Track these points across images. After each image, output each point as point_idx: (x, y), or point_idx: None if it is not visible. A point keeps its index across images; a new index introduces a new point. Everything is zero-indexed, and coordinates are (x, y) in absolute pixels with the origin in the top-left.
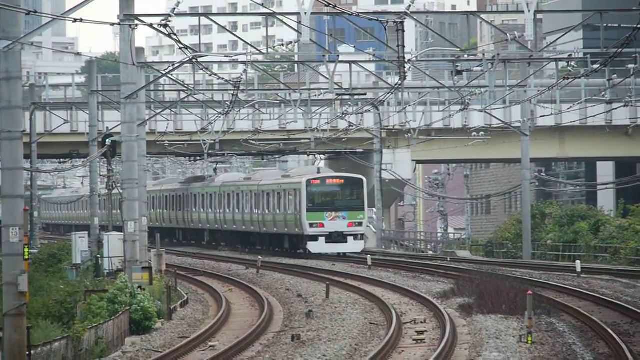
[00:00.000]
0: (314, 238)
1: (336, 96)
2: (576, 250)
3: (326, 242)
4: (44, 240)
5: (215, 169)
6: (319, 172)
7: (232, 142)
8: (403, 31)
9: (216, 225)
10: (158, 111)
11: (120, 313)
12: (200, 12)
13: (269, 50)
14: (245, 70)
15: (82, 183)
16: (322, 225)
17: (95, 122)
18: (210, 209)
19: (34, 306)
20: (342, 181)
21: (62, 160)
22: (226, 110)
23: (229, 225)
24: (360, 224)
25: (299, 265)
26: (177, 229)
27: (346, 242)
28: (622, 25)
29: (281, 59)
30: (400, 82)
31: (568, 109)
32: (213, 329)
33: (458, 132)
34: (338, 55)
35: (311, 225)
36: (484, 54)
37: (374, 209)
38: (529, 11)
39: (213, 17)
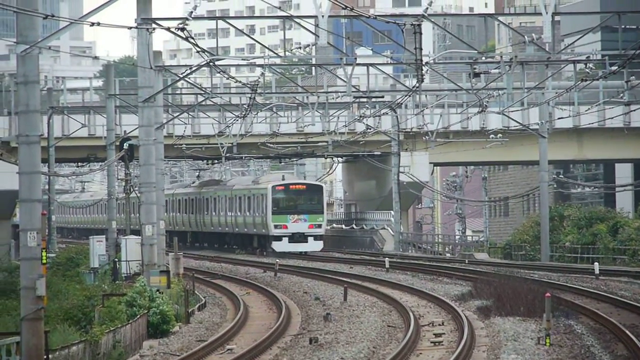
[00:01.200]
0: (279, 238)
1: (354, 99)
2: (594, 252)
3: (289, 242)
4: (62, 244)
5: (198, 175)
6: (283, 179)
7: (250, 145)
8: (420, 33)
9: (197, 227)
10: (176, 114)
11: (138, 317)
12: (217, 15)
13: (287, 53)
14: (262, 73)
15: (83, 188)
16: (286, 227)
17: (113, 126)
18: (192, 213)
19: (52, 310)
20: (304, 187)
21: (79, 164)
22: (244, 113)
23: (207, 227)
24: (319, 226)
25: (317, 268)
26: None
27: (307, 242)
28: None
29: (299, 62)
30: (417, 84)
31: (586, 110)
32: (231, 332)
33: (476, 135)
34: (355, 58)
35: (276, 226)
36: (501, 56)
37: (391, 212)
38: (547, 13)
39: (230, 21)
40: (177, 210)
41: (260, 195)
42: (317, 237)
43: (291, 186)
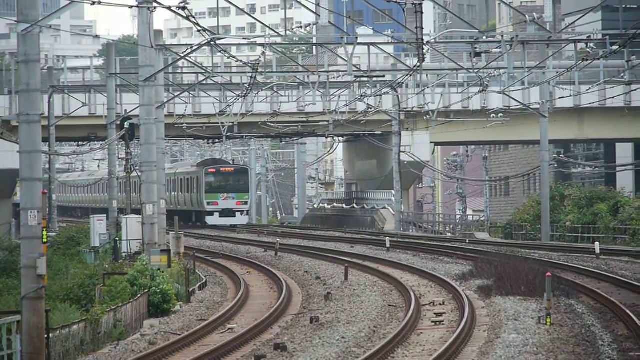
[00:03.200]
0: (211, 213)
1: (354, 78)
2: (595, 232)
3: (220, 217)
4: (62, 223)
5: None
6: (215, 163)
7: (251, 125)
8: (421, 13)
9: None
10: (176, 94)
11: (139, 296)
12: None
13: (288, 32)
14: (263, 53)
15: (68, 168)
16: (217, 204)
17: (114, 105)
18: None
19: (53, 289)
20: (232, 169)
21: (80, 143)
22: (244, 92)
23: None
24: (246, 203)
25: (318, 247)
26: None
27: (235, 216)
28: None
29: (299, 41)
30: (418, 64)
31: (587, 90)
32: (232, 311)
33: (477, 114)
34: (356, 37)
35: (208, 203)
36: (502, 36)
37: (392, 191)
38: None
39: (231, 0)
40: (132, 191)
41: (196, 177)
42: (243, 213)
43: (221, 169)
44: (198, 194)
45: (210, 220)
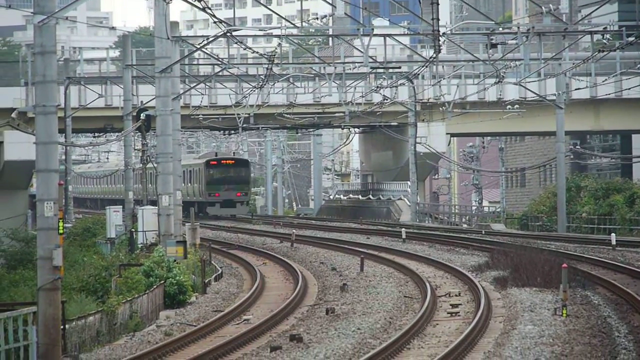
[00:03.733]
0: (212, 204)
1: (370, 69)
2: (611, 223)
3: (221, 207)
4: (78, 215)
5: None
6: (216, 155)
7: (267, 116)
8: (437, 4)
9: (154, 197)
10: (192, 85)
11: (155, 287)
12: None
13: (304, 23)
14: (279, 44)
15: (84, 159)
16: (218, 195)
17: (130, 96)
18: (151, 184)
19: (69, 280)
20: (233, 162)
21: (96, 134)
22: (260, 84)
23: None
24: (246, 194)
25: (333, 238)
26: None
27: (235, 207)
28: None
29: (315, 33)
30: (434, 55)
31: (603, 81)
32: (247, 302)
33: (493, 105)
34: (372, 29)
35: (210, 194)
36: (518, 27)
37: (408, 182)
38: None
39: None
40: (138, 183)
41: (198, 169)
42: (243, 203)
43: (222, 161)
44: (200, 185)
45: (211, 210)
